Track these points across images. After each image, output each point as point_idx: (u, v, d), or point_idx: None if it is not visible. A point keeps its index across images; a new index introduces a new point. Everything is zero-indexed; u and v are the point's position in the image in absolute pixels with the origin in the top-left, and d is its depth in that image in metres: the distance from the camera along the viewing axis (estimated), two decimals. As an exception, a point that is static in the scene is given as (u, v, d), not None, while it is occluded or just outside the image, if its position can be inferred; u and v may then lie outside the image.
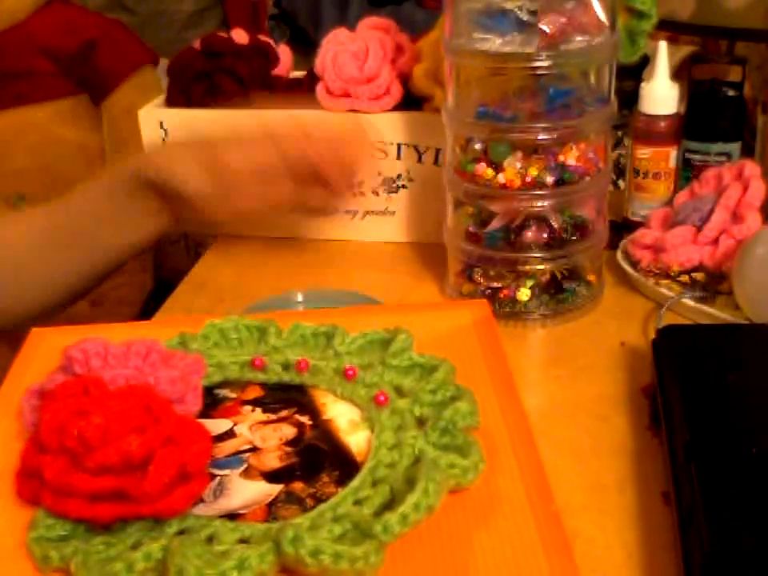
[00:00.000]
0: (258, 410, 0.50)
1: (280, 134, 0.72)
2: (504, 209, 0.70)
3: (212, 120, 0.86)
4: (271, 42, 0.90)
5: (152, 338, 0.51)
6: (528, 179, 0.68)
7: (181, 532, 0.41)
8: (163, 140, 0.87)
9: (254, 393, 0.52)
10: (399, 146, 0.84)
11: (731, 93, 0.81)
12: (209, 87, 0.87)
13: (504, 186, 0.69)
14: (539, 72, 0.65)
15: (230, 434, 0.48)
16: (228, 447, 0.47)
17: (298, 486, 0.44)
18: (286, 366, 0.54)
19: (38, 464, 0.43)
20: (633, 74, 0.99)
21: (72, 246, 0.74)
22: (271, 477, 0.45)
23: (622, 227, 0.83)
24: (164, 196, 0.71)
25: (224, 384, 0.53)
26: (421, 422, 0.48)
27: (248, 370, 0.54)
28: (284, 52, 0.90)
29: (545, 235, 0.71)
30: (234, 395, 0.52)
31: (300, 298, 0.74)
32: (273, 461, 0.46)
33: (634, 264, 0.76)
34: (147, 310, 1.19)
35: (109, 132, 1.37)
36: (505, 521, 0.42)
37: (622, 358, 0.67)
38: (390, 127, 0.83)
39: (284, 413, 0.50)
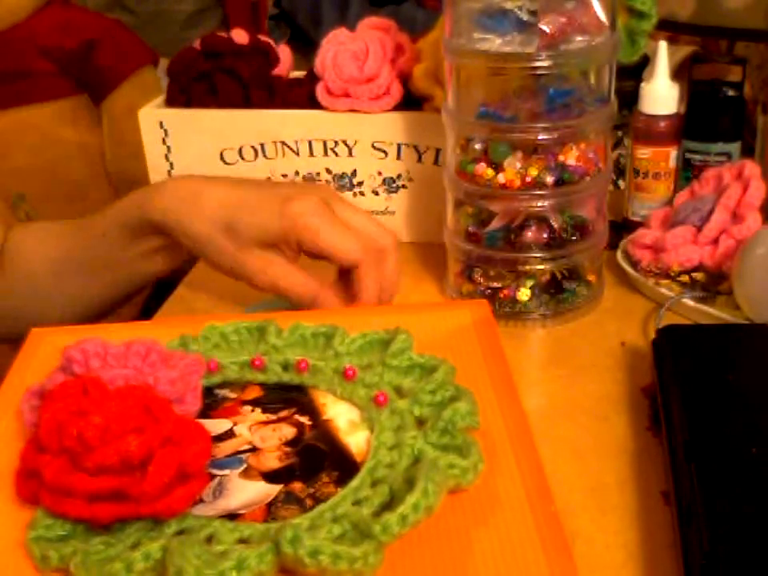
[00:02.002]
0: (258, 410, 0.50)
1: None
2: (504, 209, 0.70)
3: (212, 120, 0.86)
4: (271, 41, 0.90)
5: (151, 338, 0.51)
6: (528, 179, 0.68)
7: (180, 532, 0.41)
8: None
9: (254, 393, 0.52)
10: (399, 145, 0.84)
11: (731, 93, 0.81)
12: (209, 87, 0.87)
13: (504, 186, 0.69)
14: (539, 72, 0.65)
15: (229, 434, 0.48)
16: (227, 447, 0.47)
17: (297, 486, 0.44)
18: (286, 366, 0.54)
19: (38, 464, 0.42)
20: (633, 74, 0.99)
21: (91, 274, 0.73)
22: (271, 477, 0.45)
23: (622, 227, 0.83)
24: (172, 237, 0.68)
25: (224, 384, 0.53)
26: (420, 423, 0.48)
27: (248, 370, 0.54)
28: (284, 52, 0.90)
29: (545, 235, 0.71)
30: (233, 395, 0.52)
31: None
32: (272, 461, 0.46)
33: (634, 264, 0.76)
34: (147, 310, 1.19)
35: (109, 132, 1.37)
36: (504, 521, 0.41)
37: (621, 358, 0.67)
38: (390, 127, 0.83)
39: (284, 413, 0.50)
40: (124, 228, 0.69)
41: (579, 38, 0.66)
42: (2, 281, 0.75)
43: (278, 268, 0.64)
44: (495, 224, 0.71)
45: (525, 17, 0.65)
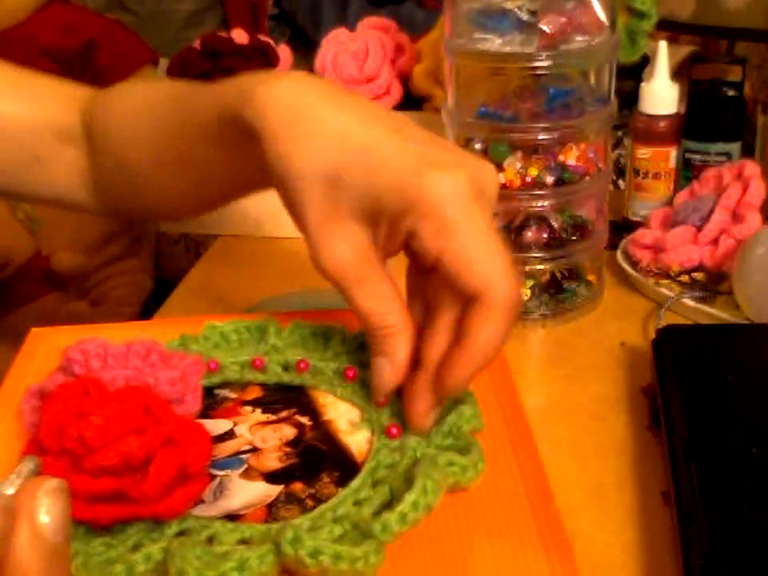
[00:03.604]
0: (258, 410, 0.50)
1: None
2: (504, 209, 0.70)
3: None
4: (271, 41, 0.90)
5: (152, 339, 0.51)
6: (528, 179, 0.68)
7: (181, 533, 0.41)
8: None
9: (254, 393, 0.52)
10: (399, 146, 0.83)
11: (731, 93, 0.81)
12: (209, 87, 0.87)
13: (504, 186, 0.69)
14: (539, 72, 0.65)
15: (229, 435, 0.48)
16: (228, 448, 0.47)
17: (298, 486, 0.44)
18: (286, 367, 0.54)
19: (38, 465, 0.42)
20: (633, 74, 0.99)
21: (193, 170, 0.57)
22: (271, 477, 0.45)
23: (622, 227, 0.83)
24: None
25: (224, 384, 0.53)
26: (421, 423, 0.48)
27: (248, 370, 0.54)
28: (284, 52, 0.90)
29: (545, 235, 0.71)
30: (234, 395, 0.52)
31: (300, 298, 0.74)
32: (273, 461, 0.46)
33: (634, 264, 0.76)
34: (147, 310, 1.19)
35: (109, 132, 1.37)
36: (505, 521, 0.41)
37: (622, 358, 0.67)
38: (389, 127, 0.83)
39: (284, 413, 0.50)
40: (221, 123, 0.49)
41: (579, 38, 0.66)
42: (101, 158, 0.63)
43: (370, 279, 0.45)
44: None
45: (525, 17, 0.65)
